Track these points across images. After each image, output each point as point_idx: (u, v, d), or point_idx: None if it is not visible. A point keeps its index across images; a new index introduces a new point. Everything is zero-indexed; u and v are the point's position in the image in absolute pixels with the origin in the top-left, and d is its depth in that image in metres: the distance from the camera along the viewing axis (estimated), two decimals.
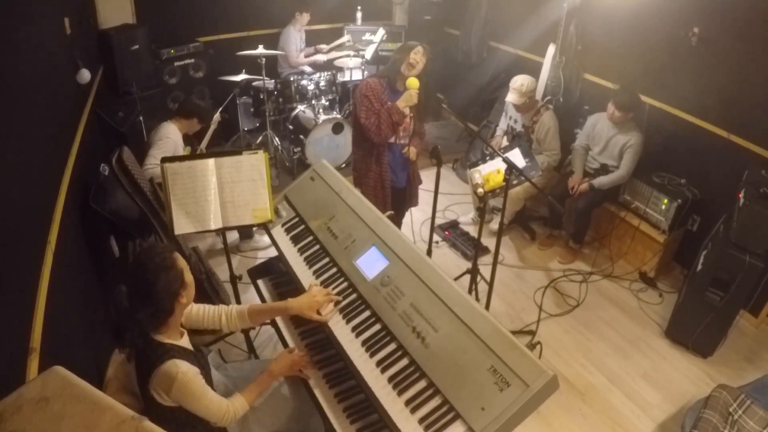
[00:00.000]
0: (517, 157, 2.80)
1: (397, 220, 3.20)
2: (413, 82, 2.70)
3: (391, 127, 2.81)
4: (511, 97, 3.65)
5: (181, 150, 3.16)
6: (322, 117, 4.40)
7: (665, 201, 3.45)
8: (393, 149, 2.99)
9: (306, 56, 5.12)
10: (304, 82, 4.59)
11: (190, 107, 3.28)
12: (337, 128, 4.45)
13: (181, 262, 1.61)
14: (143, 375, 1.55)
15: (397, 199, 3.13)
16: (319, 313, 1.83)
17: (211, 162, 2.16)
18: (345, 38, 5.18)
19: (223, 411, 1.59)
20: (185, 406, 1.54)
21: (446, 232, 4.00)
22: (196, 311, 1.83)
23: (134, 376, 1.65)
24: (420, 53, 2.78)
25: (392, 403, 1.54)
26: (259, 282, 2.35)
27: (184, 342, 1.66)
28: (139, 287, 1.54)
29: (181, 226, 2.12)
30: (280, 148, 4.59)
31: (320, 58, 5.12)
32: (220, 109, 4.46)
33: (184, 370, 1.50)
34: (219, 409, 1.58)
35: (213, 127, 3.56)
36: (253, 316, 1.88)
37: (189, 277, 1.63)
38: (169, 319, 1.59)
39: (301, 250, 2.14)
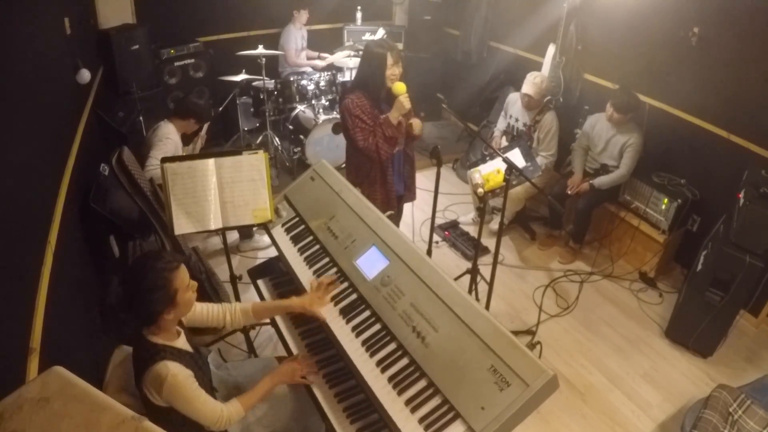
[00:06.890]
0: (517, 157, 2.79)
1: (396, 219, 3.14)
2: (401, 88, 2.51)
3: (389, 143, 2.62)
4: (527, 89, 3.63)
5: (181, 150, 3.16)
6: (322, 117, 4.40)
7: (665, 201, 3.45)
8: (393, 161, 2.82)
9: (308, 58, 5.12)
10: (304, 82, 4.58)
11: (188, 107, 3.24)
12: (337, 128, 4.44)
13: (178, 282, 1.55)
14: (138, 373, 1.56)
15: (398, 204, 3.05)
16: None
17: (211, 162, 2.17)
18: (345, 53, 5.09)
19: (217, 416, 1.58)
20: (177, 408, 1.53)
21: (446, 232, 4.00)
22: (200, 310, 1.83)
23: (133, 375, 1.65)
24: (395, 58, 2.52)
25: (392, 403, 1.54)
26: (259, 282, 2.35)
27: (180, 343, 1.65)
28: (127, 294, 1.54)
29: (181, 226, 2.12)
30: (280, 148, 4.59)
31: (320, 63, 5.11)
32: (221, 108, 4.47)
33: (175, 372, 1.50)
34: (212, 413, 1.57)
35: (202, 134, 3.48)
36: (258, 313, 1.91)
37: (182, 297, 1.57)
38: (159, 325, 1.58)
39: (301, 250, 2.14)
